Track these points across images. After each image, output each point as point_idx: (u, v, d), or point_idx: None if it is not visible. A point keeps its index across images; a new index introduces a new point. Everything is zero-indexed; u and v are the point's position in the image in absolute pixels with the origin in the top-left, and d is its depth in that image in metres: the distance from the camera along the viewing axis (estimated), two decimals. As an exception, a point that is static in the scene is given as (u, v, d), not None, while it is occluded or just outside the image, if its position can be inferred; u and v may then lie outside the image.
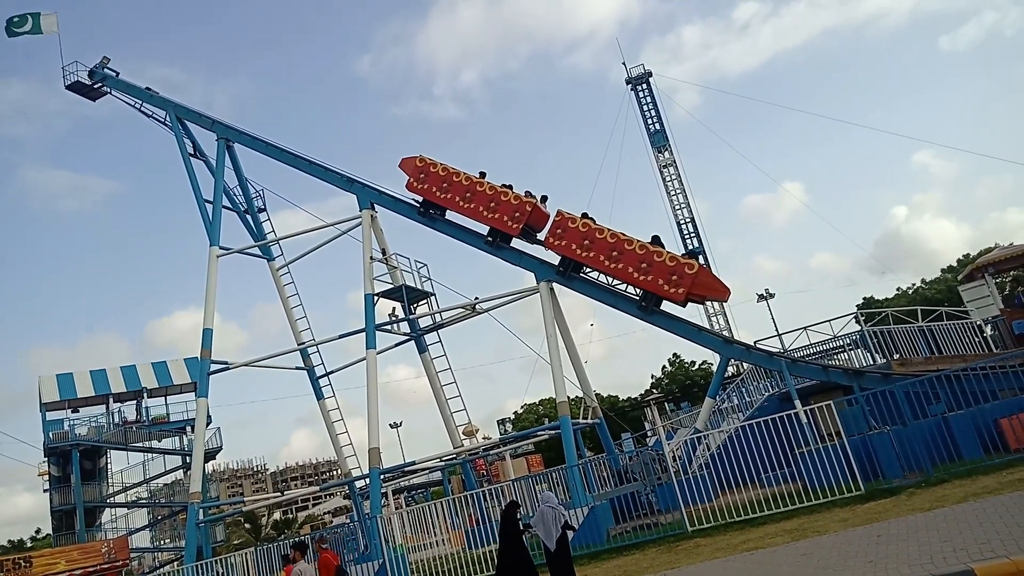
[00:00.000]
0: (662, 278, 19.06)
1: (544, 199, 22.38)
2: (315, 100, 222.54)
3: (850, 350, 22.91)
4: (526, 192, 22.17)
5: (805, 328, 23.08)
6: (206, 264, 25.50)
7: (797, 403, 17.02)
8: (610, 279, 20.38)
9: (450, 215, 23.32)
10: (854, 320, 23.19)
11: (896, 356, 20.00)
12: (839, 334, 22.88)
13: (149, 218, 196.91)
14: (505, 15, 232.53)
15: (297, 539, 15.43)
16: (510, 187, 22.25)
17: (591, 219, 20.73)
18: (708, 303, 56.54)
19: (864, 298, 60.72)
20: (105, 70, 29.71)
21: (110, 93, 30.02)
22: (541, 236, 21.67)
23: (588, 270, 20.77)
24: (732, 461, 15.05)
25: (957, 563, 7.08)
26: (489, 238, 22.24)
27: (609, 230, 20.23)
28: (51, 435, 36.04)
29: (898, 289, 61.27)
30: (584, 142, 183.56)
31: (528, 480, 21.21)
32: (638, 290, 19.80)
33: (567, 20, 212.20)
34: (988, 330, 21.58)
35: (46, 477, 36.23)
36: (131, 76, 30.11)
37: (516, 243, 22.27)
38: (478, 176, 22.80)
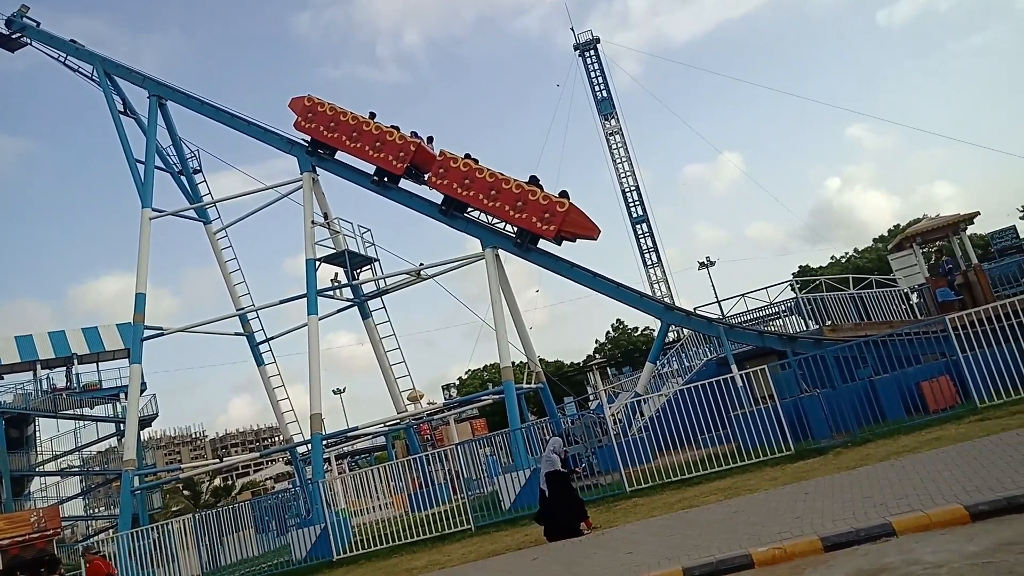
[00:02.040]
0: (535, 216, 19.82)
1: (431, 140, 22.68)
2: (251, 60, 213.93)
3: (785, 316, 23.69)
4: (412, 132, 22.40)
5: (743, 295, 23.74)
6: (137, 227, 24.51)
7: (733, 367, 17.49)
8: (489, 217, 21.02)
9: (341, 156, 23.30)
10: (790, 288, 23.93)
11: (828, 322, 20.72)
12: (775, 301, 23.61)
13: (69, 179, 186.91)
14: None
15: (45, 555, 14.44)
16: (396, 128, 22.42)
17: (473, 160, 21.18)
18: (651, 270, 57.54)
19: (800, 266, 62.72)
20: (24, 19, 27.90)
21: (30, 44, 28.24)
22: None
23: (471, 210, 21.25)
24: (671, 424, 15.45)
25: (877, 517, 7.45)
26: (375, 177, 22.49)
27: (488, 170, 20.77)
28: (-27, 403, 34.56)
29: (832, 258, 63.52)
30: (531, 109, 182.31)
31: (472, 444, 21.39)
32: (514, 228, 20.48)
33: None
34: (914, 297, 22.53)
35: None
36: (50, 28, 28.33)
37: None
38: (366, 117, 22.82)
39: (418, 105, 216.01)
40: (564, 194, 19.97)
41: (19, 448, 35.34)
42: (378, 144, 22.11)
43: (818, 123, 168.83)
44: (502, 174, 20.60)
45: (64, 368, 38.62)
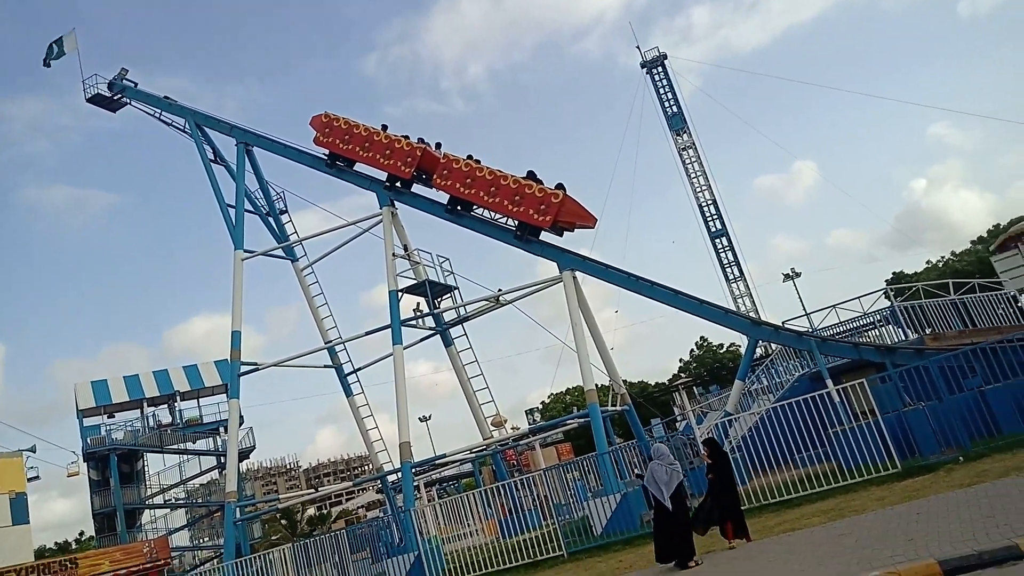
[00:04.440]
0: (532, 208, 20.59)
1: (439, 146, 23.77)
2: (324, 101, 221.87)
3: (880, 327, 22.61)
4: (419, 139, 23.65)
5: (834, 306, 22.83)
6: (223, 268, 25.75)
7: (829, 382, 16.80)
8: (491, 213, 21.94)
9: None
10: (884, 296, 22.87)
11: (928, 331, 19.69)
12: (869, 311, 22.59)
13: (156, 228, 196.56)
14: (508, 5, 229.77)
15: None
16: (406, 137, 23.66)
17: (476, 160, 22.19)
18: (734, 284, 56.15)
19: (893, 273, 59.85)
20: (124, 81, 30.01)
21: (129, 104, 30.30)
22: None
23: (476, 207, 22.20)
24: (764, 443, 14.90)
25: (1001, 538, 6.96)
26: (387, 183, 23.80)
27: (488, 168, 21.74)
28: (89, 440, 36.81)
29: (927, 262, 60.34)
30: (598, 130, 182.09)
31: (559, 469, 21.25)
32: (514, 221, 21.30)
33: (572, 7, 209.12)
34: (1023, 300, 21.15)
35: (75, 477, 36.76)
36: (143, 86, 30.33)
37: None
38: (378, 128, 24.21)
39: (485, 134, 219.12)
40: (560, 186, 20.76)
41: (130, 482, 37.37)
42: (388, 152, 23.45)
43: (896, 124, 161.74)
44: (500, 171, 21.63)
45: (167, 405, 40.73)
